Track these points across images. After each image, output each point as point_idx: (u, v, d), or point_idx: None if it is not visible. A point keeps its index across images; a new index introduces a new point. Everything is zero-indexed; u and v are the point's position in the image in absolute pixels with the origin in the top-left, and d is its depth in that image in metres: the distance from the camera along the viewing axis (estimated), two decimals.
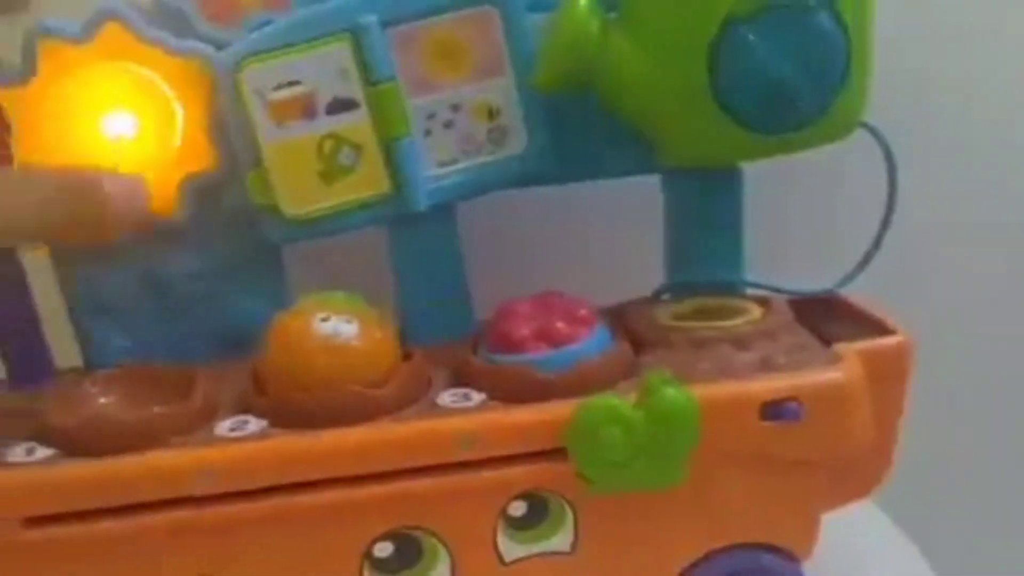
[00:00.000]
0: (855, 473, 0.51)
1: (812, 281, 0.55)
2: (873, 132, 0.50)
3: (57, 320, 0.53)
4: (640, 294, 0.56)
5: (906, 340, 0.49)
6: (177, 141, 0.49)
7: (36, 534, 0.42)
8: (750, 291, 0.55)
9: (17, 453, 0.44)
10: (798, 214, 0.59)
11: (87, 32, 0.47)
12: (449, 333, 0.51)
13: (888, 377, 0.49)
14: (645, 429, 0.43)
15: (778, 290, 0.55)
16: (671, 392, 0.43)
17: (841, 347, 0.48)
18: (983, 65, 0.60)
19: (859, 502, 0.52)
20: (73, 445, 0.44)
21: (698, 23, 0.45)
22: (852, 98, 0.47)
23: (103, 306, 0.52)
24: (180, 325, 0.52)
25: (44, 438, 0.45)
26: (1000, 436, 0.67)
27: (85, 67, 0.48)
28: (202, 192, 0.50)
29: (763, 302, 0.53)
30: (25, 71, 0.47)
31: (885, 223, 0.53)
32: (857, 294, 0.54)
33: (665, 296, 0.56)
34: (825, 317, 0.54)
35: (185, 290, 0.52)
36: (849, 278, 0.54)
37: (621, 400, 0.44)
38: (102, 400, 0.47)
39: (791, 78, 0.46)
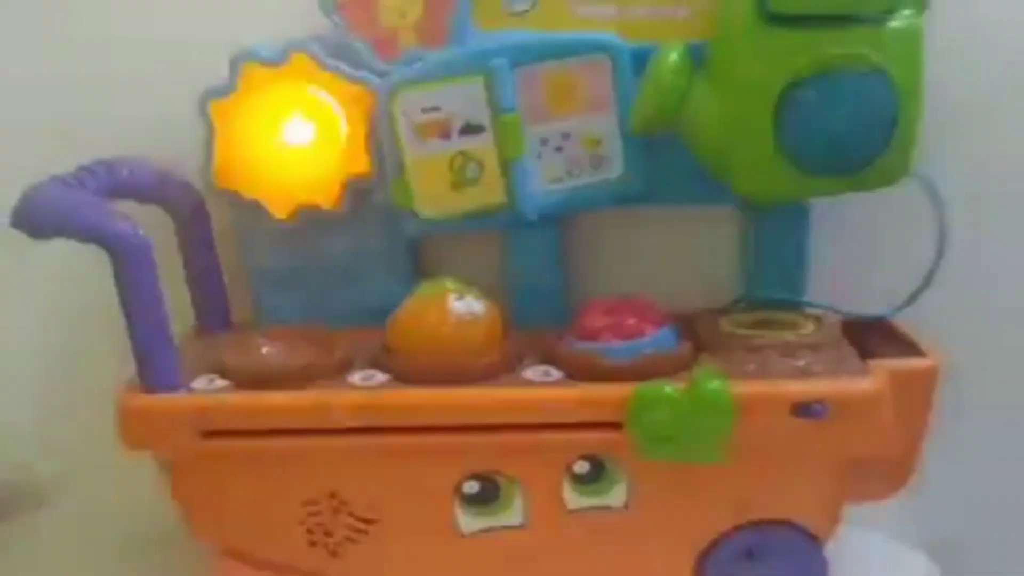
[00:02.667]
0: (880, 475, 0.59)
1: (872, 306, 0.63)
2: (922, 181, 0.58)
3: (237, 285, 0.66)
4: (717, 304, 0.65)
5: (935, 364, 0.57)
6: (341, 149, 0.61)
7: (210, 444, 0.56)
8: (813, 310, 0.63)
9: (201, 382, 0.57)
10: (866, 247, 0.66)
11: (282, 58, 0.60)
12: (549, 321, 0.61)
13: (916, 393, 0.57)
14: (688, 413, 0.53)
15: (836, 311, 0.63)
16: (713, 385, 0.53)
17: (875, 363, 0.56)
18: None
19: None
20: (241, 380, 0.57)
21: (768, 81, 0.54)
22: (900, 151, 0.55)
23: (274, 277, 0.65)
24: (332, 297, 0.65)
25: (221, 373, 0.58)
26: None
27: (275, 85, 0.60)
28: (358, 191, 0.62)
29: (817, 320, 0.61)
30: (229, 86, 0.60)
31: (937, 261, 0.60)
32: (909, 321, 0.62)
33: (736, 308, 0.64)
34: (875, 337, 0.62)
35: (338, 269, 0.64)
36: (900, 307, 0.62)
37: (672, 387, 0.53)
38: (265, 349, 0.60)
39: (844, 132, 0.54)
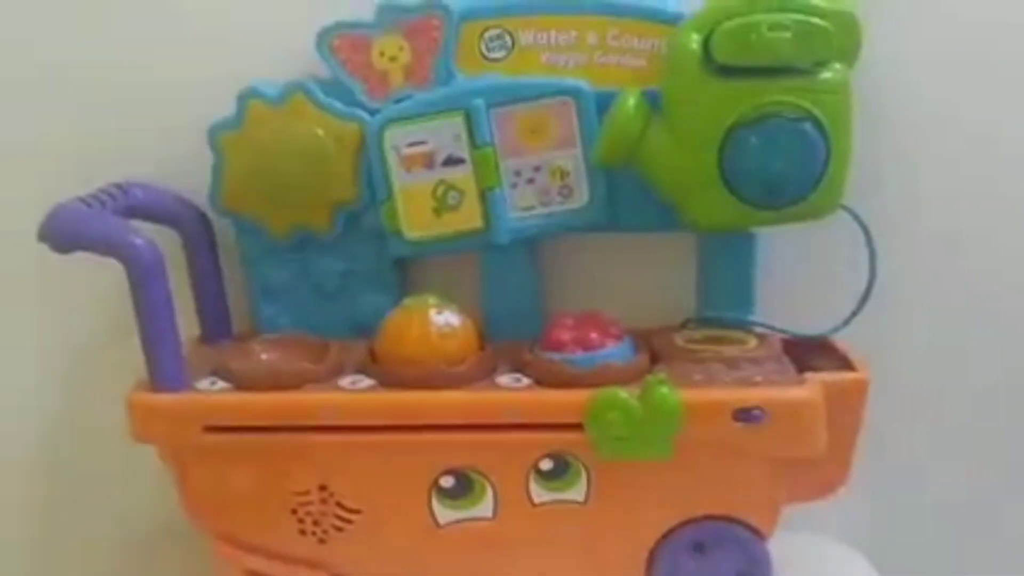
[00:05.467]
0: (813, 478, 0.65)
1: (815, 326, 0.69)
2: (852, 214, 0.65)
3: (239, 298, 0.73)
4: (672, 322, 0.72)
5: (864, 377, 0.64)
6: (333, 178, 0.68)
7: (212, 438, 0.62)
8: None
9: (204, 383, 0.64)
10: (809, 272, 0.73)
11: (282, 97, 0.67)
12: (520, 334, 0.68)
13: (847, 404, 0.63)
14: (641, 416, 0.59)
15: (780, 330, 0.69)
16: (663, 391, 0.59)
17: (810, 375, 0.63)
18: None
19: None
20: (241, 383, 0.63)
21: (713, 125, 0.61)
22: (830, 188, 0.62)
23: (272, 291, 0.72)
24: (324, 310, 0.71)
25: (223, 376, 0.64)
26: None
27: (276, 121, 0.67)
28: (350, 215, 0.69)
29: (761, 337, 0.68)
30: (235, 120, 0.67)
31: (869, 287, 0.67)
32: (846, 340, 0.69)
33: (689, 325, 0.71)
34: (814, 353, 0.68)
35: (330, 285, 0.71)
36: (837, 328, 0.69)
37: (627, 393, 0.60)
38: (263, 356, 0.66)
39: (780, 170, 0.61)
